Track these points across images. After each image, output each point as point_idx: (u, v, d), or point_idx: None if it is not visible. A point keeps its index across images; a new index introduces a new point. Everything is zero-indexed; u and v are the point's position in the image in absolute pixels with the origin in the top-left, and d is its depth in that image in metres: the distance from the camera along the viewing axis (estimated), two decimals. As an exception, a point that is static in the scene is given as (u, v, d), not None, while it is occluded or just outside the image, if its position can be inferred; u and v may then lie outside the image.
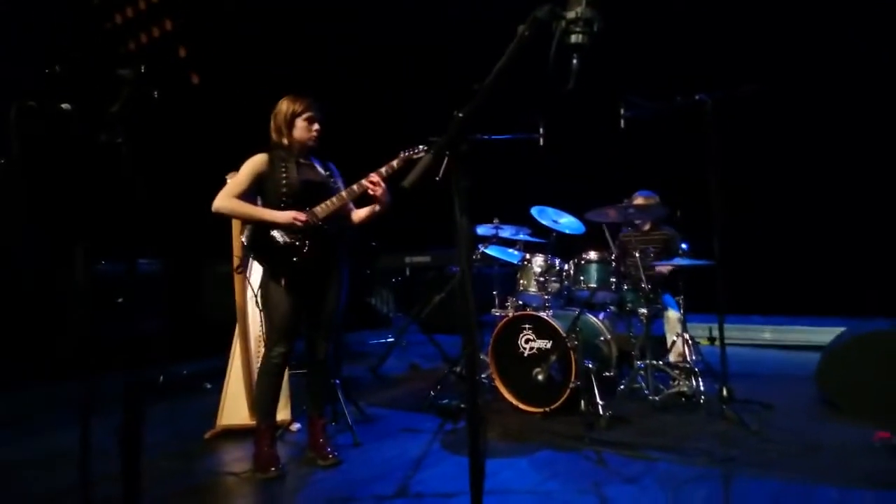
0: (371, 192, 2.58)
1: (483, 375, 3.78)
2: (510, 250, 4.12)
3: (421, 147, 2.64)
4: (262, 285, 2.59)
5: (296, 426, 3.14)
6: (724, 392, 3.08)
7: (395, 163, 2.61)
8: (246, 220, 2.56)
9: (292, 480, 2.50)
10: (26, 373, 4.19)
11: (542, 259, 3.73)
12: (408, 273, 5.12)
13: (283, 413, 3.07)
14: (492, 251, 4.16)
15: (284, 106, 2.58)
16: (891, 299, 4.63)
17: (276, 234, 2.51)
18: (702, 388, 3.31)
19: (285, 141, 2.58)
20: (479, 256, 4.16)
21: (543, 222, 3.94)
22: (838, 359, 3.18)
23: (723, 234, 3.22)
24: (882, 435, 2.63)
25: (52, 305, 4.31)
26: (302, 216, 2.49)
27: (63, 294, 4.32)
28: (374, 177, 2.58)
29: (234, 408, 3.10)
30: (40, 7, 4.40)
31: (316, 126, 2.59)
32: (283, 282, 2.52)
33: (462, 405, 3.39)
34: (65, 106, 1.99)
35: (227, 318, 3.20)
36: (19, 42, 4.15)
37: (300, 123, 2.57)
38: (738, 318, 5.53)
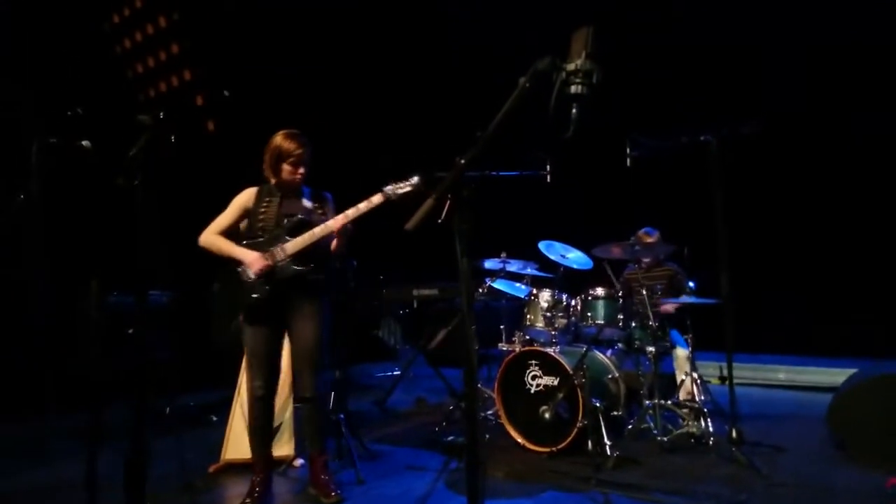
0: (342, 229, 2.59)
1: (489, 412, 3.76)
2: (517, 284, 4.14)
3: (411, 181, 2.56)
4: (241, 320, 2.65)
5: (299, 462, 3.12)
6: (734, 433, 3.03)
7: (376, 198, 2.58)
8: (222, 256, 2.63)
9: (294, 518, 2.48)
10: (37, 403, 4.22)
11: (549, 294, 3.74)
12: (415, 305, 5.14)
13: (285, 448, 3.06)
14: (499, 285, 4.18)
15: (273, 145, 2.64)
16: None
17: (244, 269, 2.57)
18: (711, 429, 3.25)
19: (273, 179, 2.68)
20: (486, 290, 4.18)
21: (551, 257, 3.96)
22: (850, 401, 3.13)
23: (732, 272, 3.22)
24: (895, 481, 2.57)
25: (64, 336, 4.37)
26: (259, 265, 2.53)
27: (75, 325, 4.38)
28: (346, 214, 2.58)
29: (239, 442, 3.10)
30: (64, 51, 4.61)
31: (301, 169, 2.64)
32: (242, 316, 2.57)
33: (478, 443, 3.35)
34: (85, 143, 2.07)
35: (237, 350, 3.23)
36: (41, 84, 4.33)
37: (285, 167, 2.63)
38: (750, 357, 5.44)
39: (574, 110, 1.60)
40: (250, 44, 5.05)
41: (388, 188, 2.56)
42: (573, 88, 1.58)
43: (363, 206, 2.58)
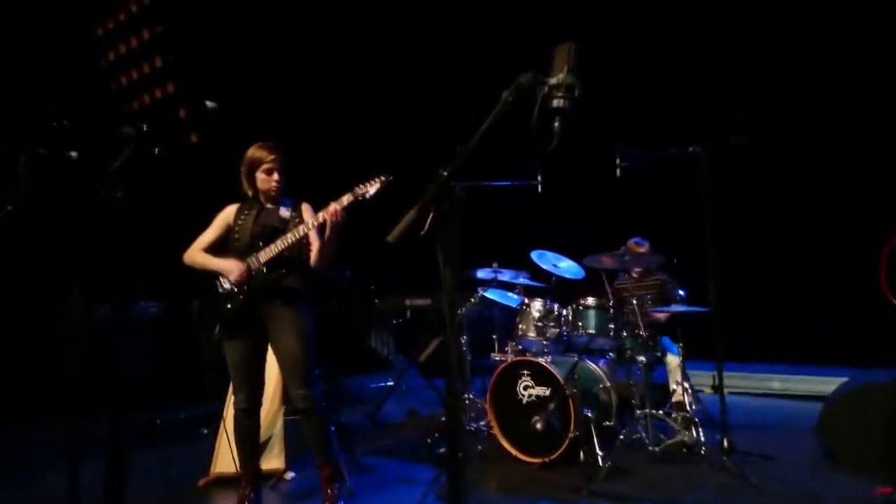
0: (319, 232, 2.58)
1: (482, 423, 3.75)
2: (510, 294, 4.14)
3: (380, 179, 2.52)
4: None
5: (290, 475, 3.10)
6: (725, 443, 3.03)
7: (345, 198, 2.55)
8: (204, 270, 2.64)
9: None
10: (20, 415, 4.18)
11: (540, 304, 3.75)
12: (409, 315, 5.13)
13: (275, 461, 3.04)
14: (491, 295, 4.18)
15: (246, 157, 2.67)
16: (891, 350, 4.57)
17: (222, 279, 2.58)
18: (702, 439, 3.25)
19: (250, 192, 2.70)
20: (478, 300, 4.18)
21: (543, 266, 3.97)
22: (839, 410, 3.13)
23: (724, 281, 3.24)
24: (883, 490, 2.57)
25: (47, 348, 4.34)
26: (236, 271, 2.54)
27: (59, 336, 4.36)
28: (318, 217, 2.56)
29: (228, 455, 3.07)
30: (49, 63, 4.61)
31: (276, 176, 2.65)
32: (220, 329, 2.57)
33: (459, 455, 3.34)
34: (73, 154, 2.07)
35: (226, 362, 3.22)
36: (26, 95, 4.32)
37: (259, 175, 2.65)
38: (743, 366, 5.45)
39: (556, 124, 1.62)
40: (235, 54, 5.08)
41: (358, 188, 2.53)
42: (555, 102, 1.60)
43: (332, 208, 2.54)
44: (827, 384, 4.70)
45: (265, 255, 2.57)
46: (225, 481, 3.02)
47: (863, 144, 4.98)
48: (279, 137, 2.79)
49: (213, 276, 2.61)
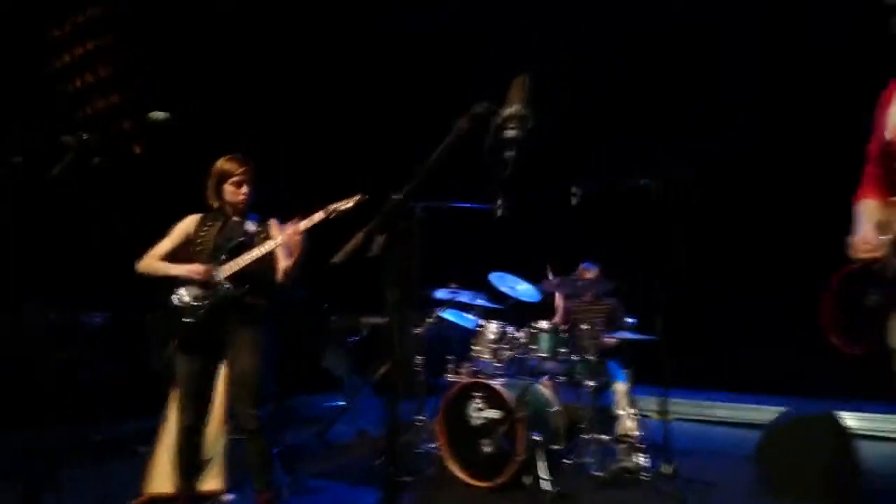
0: (285, 249, 2.55)
1: (431, 445, 3.72)
2: (467, 315, 4.17)
3: (353, 198, 2.52)
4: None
5: (228, 497, 2.99)
6: (669, 469, 3.10)
7: (318, 215, 2.54)
8: (160, 278, 2.58)
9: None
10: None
11: (496, 326, 3.78)
12: (364, 334, 5.08)
13: (214, 482, 2.94)
14: (448, 315, 4.19)
15: (215, 168, 2.66)
16: (832, 381, 4.78)
17: (181, 292, 2.52)
18: (647, 464, 3.32)
19: (216, 203, 2.67)
20: (435, 320, 4.19)
21: (502, 289, 4.02)
22: (776, 440, 3.25)
23: (672, 310, 3.36)
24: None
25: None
26: (200, 270, 2.49)
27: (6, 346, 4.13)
28: (286, 232, 2.54)
29: (163, 474, 2.95)
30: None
31: (244, 189, 2.64)
32: (175, 343, 2.51)
33: (408, 478, 3.30)
34: (16, 159, 1.99)
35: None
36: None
37: (228, 187, 2.63)
38: (691, 392, 5.60)
39: (509, 153, 1.67)
40: (191, 65, 5.00)
41: (331, 206, 2.53)
42: (508, 133, 1.65)
43: (303, 225, 2.53)
44: (771, 413, 4.87)
45: (229, 269, 2.52)
46: (159, 501, 2.89)
47: (801, 187, 5.26)
48: (247, 149, 2.77)
49: (169, 287, 2.54)
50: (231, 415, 3.00)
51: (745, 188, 5.64)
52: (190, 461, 2.59)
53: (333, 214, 2.50)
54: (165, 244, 2.64)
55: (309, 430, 4.64)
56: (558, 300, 4.43)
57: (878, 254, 1.63)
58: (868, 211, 1.76)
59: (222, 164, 2.64)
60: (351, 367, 5.16)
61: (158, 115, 1.92)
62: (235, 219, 2.66)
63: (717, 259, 5.77)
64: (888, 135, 1.68)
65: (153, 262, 2.61)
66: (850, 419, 4.34)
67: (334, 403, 5.32)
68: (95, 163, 1.53)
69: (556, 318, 4.29)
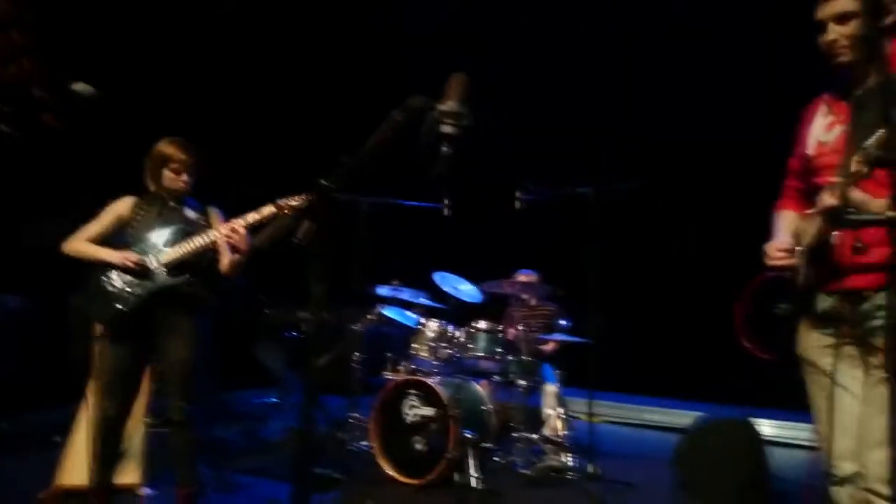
0: (229, 242, 2.49)
1: (364, 444, 3.69)
2: (408, 313, 4.17)
3: (306, 195, 2.34)
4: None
5: (145, 491, 2.87)
6: (592, 469, 3.20)
7: (266, 210, 2.47)
8: (89, 261, 2.47)
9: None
10: None
11: (436, 324, 3.80)
12: (301, 329, 4.99)
13: (131, 476, 2.82)
14: (389, 312, 4.18)
15: (156, 150, 2.55)
16: (752, 388, 5.06)
17: (112, 276, 2.43)
18: (572, 464, 3.41)
19: (152, 186, 2.57)
20: (376, 317, 4.16)
21: (444, 288, 4.05)
22: (692, 444, 3.40)
23: (607, 313, 3.48)
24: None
25: None
26: (132, 258, 2.41)
27: None
28: (231, 225, 2.48)
29: (77, 466, 2.79)
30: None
31: (184, 176, 2.55)
32: (103, 330, 2.42)
33: (337, 475, 3.27)
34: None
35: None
36: None
37: (167, 173, 2.54)
38: (620, 396, 5.80)
39: (444, 149, 1.68)
40: (129, 40, 4.77)
41: (281, 201, 2.46)
42: (444, 128, 1.67)
43: (251, 218, 2.46)
44: (693, 418, 5.11)
45: (167, 256, 2.44)
46: (72, 494, 2.74)
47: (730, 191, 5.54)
48: (187, 131, 2.67)
49: (99, 271, 2.43)
50: (151, 406, 2.89)
51: (676, 200, 5.90)
52: (109, 453, 2.48)
53: (285, 210, 2.45)
54: (95, 226, 2.51)
55: (239, 426, 4.51)
56: (500, 304, 4.49)
57: (790, 262, 1.69)
58: (786, 221, 1.85)
59: (163, 147, 2.54)
60: (286, 363, 5.06)
61: (82, 87, 1.82)
62: (173, 205, 2.56)
63: (650, 266, 6.02)
64: (809, 151, 1.76)
65: (81, 244, 2.48)
66: (765, 426, 4.62)
67: (267, 399, 5.20)
68: (3, 130, 1.44)
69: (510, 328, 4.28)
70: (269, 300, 5.07)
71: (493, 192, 4.45)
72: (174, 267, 2.45)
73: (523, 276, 4.19)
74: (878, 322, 1.58)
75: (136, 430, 2.90)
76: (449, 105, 1.65)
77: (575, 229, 3.84)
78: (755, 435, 3.24)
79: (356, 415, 3.85)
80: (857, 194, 1.48)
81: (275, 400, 4.90)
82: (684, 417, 5.42)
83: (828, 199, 1.51)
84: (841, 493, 1.64)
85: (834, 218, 1.52)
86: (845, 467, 1.61)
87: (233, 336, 4.66)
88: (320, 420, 4.66)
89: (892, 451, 1.07)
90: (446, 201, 4.12)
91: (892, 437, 1.07)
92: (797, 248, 1.68)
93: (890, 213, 1.43)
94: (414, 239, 5.75)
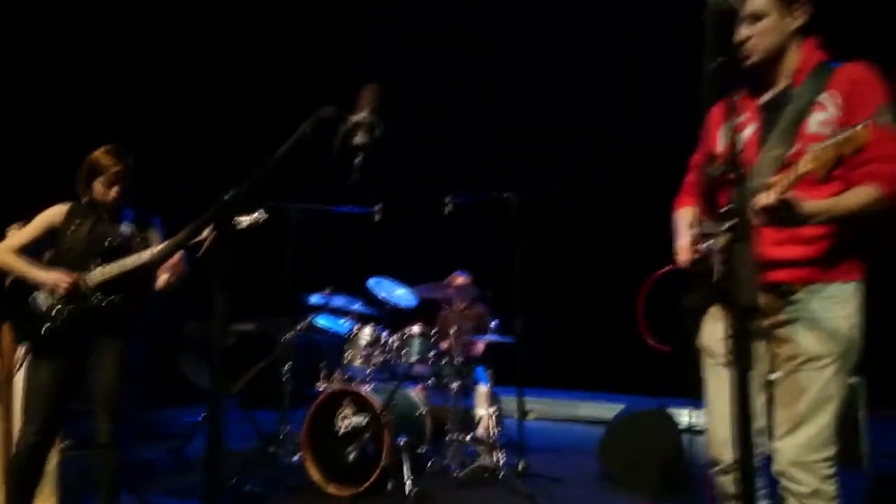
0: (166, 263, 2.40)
1: (296, 457, 3.62)
2: (342, 321, 4.12)
3: (253, 215, 2.37)
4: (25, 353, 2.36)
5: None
6: (520, 466, 3.29)
7: (205, 233, 2.46)
8: (17, 277, 2.35)
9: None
10: None
11: (370, 331, 3.78)
12: (230, 343, 4.82)
13: (47, 502, 2.64)
14: (321, 321, 4.12)
15: (89, 160, 2.45)
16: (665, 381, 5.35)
17: (38, 296, 2.32)
18: (502, 463, 3.49)
19: (84, 197, 2.46)
20: (306, 326, 4.09)
21: (379, 294, 4.03)
22: (615, 434, 3.58)
23: (530, 314, 3.59)
24: None
25: None
26: (66, 280, 2.30)
27: None
28: (170, 244, 2.38)
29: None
30: None
31: (116, 188, 2.44)
32: (29, 350, 2.33)
33: (263, 491, 3.19)
34: None
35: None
36: None
37: (98, 185, 2.43)
38: (552, 391, 5.99)
39: (357, 160, 1.69)
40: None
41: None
42: (356, 139, 1.68)
43: (182, 237, 2.38)
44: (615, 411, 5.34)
45: (99, 276, 2.33)
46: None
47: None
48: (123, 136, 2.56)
49: (26, 287, 2.31)
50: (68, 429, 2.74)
51: (598, 201, 6.18)
52: (29, 480, 2.36)
53: (230, 229, 2.36)
54: (25, 235, 2.38)
55: (164, 446, 4.30)
56: (433, 307, 4.53)
57: (698, 257, 1.70)
58: (689, 217, 1.86)
59: (98, 155, 2.43)
60: (214, 378, 4.85)
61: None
62: (107, 218, 2.46)
63: (575, 266, 6.27)
64: (718, 149, 1.72)
65: (10, 256, 2.34)
66: (683, 415, 4.90)
67: (193, 417, 4.99)
68: None
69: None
70: (194, 313, 4.88)
71: (424, 197, 4.50)
72: (104, 287, 2.36)
73: (458, 279, 4.25)
74: (792, 315, 1.63)
75: (51, 455, 2.73)
76: (361, 116, 1.66)
77: (501, 232, 3.94)
78: (672, 424, 3.44)
79: (288, 428, 3.77)
80: (789, 195, 1.47)
81: (202, 417, 4.69)
82: (612, 410, 5.67)
83: (763, 199, 1.49)
84: (725, 480, 1.73)
85: (769, 217, 1.50)
86: (727, 456, 1.68)
87: (156, 352, 4.46)
88: (251, 435, 4.53)
89: (736, 431, 1.13)
90: (377, 206, 4.12)
91: (735, 420, 1.14)
92: (708, 245, 1.65)
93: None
94: (348, 245, 5.71)
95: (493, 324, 4.10)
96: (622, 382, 6.05)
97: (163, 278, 2.49)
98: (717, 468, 1.76)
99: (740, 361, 1.11)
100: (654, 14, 5.66)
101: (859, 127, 1.35)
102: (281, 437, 3.81)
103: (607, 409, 5.72)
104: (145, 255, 2.38)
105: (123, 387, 2.42)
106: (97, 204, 2.44)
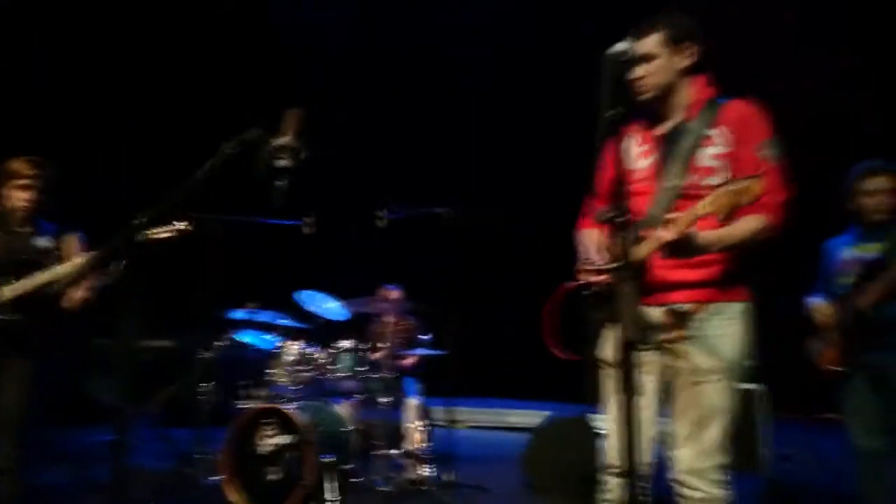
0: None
1: (215, 479, 3.47)
2: (267, 336, 3.99)
3: (174, 226, 2.24)
4: None
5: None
6: (447, 477, 3.33)
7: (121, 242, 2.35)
8: None
9: None
10: None
11: (297, 347, 3.69)
12: (145, 359, 4.56)
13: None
14: (244, 337, 3.98)
15: (4, 167, 2.36)
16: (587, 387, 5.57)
17: None
18: (430, 474, 3.52)
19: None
20: (227, 342, 3.94)
21: (309, 308, 3.95)
22: (537, 443, 3.67)
23: (461, 326, 3.64)
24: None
25: None
26: None
27: None
28: (85, 260, 2.24)
29: None
30: None
31: (27, 195, 2.33)
32: None
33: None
34: None
35: None
36: None
37: (10, 191, 2.33)
38: (483, 401, 6.08)
39: (279, 182, 1.68)
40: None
41: (147, 232, 2.28)
42: (280, 162, 1.66)
43: (92, 258, 2.25)
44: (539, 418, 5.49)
45: (10, 291, 2.20)
46: None
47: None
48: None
49: None
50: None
51: (525, 218, 6.39)
52: None
53: (147, 242, 2.25)
54: None
55: (68, 469, 4.01)
56: (364, 320, 4.49)
57: (602, 276, 1.79)
58: (593, 238, 1.97)
59: (10, 164, 2.35)
60: (123, 396, 4.58)
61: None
62: (20, 230, 2.33)
63: (502, 278, 6.43)
64: (627, 165, 1.80)
65: None
66: (601, 420, 5.12)
67: (102, 437, 4.68)
68: None
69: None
70: (102, 328, 4.58)
71: (358, 210, 4.47)
72: (12, 304, 2.22)
73: (390, 293, 4.24)
74: (690, 333, 1.75)
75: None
76: (284, 139, 1.65)
77: (433, 246, 3.98)
78: (591, 431, 3.57)
79: (205, 448, 3.61)
80: (691, 231, 1.58)
81: (112, 437, 4.40)
82: (541, 418, 5.82)
83: (664, 234, 1.59)
84: (614, 484, 1.84)
85: (669, 251, 1.62)
86: (619, 463, 1.76)
87: (59, 369, 4.15)
88: (166, 454, 4.30)
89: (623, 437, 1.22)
90: (307, 219, 4.03)
91: (621, 444, 1.22)
92: (610, 266, 1.72)
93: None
94: (277, 259, 5.57)
95: (423, 337, 4.12)
96: (551, 390, 6.23)
97: (73, 296, 2.37)
98: (611, 471, 1.86)
99: (625, 390, 1.20)
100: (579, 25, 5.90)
101: (752, 180, 1.49)
102: (197, 456, 3.64)
103: (537, 417, 5.89)
104: (59, 270, 2.26)
105: (30, 410, 2.32)
106: (10, 215, 2.35)
